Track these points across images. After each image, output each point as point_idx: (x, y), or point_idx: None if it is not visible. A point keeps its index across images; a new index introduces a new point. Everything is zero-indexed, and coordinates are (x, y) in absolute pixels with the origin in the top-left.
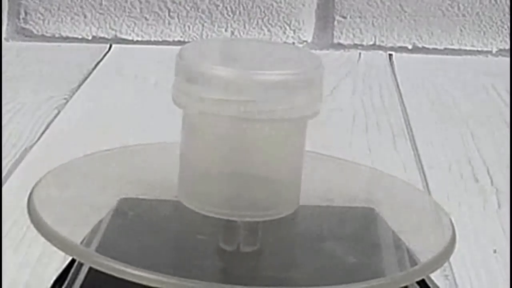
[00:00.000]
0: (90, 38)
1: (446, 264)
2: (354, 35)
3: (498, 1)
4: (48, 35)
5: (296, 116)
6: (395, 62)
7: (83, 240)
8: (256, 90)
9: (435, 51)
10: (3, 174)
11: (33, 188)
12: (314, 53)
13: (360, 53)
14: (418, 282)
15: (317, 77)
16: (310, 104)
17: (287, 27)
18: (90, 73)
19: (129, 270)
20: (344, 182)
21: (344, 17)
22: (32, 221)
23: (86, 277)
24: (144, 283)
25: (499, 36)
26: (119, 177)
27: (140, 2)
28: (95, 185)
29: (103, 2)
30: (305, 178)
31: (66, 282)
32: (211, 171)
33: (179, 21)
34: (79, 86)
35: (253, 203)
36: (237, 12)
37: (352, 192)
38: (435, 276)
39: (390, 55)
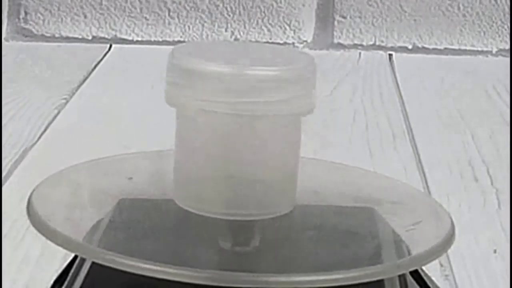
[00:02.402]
0: (90, 38)
1: (446, 264)
2: (354, 35)
3: (498, 1)
4: (48, 35)
5: (290, 112)
6: (395, 62)
7: (84, 238)
8: (249, 85)
9: (435, 51)
10: (3, 174)
11: (32, 192)
12: (307, 52)
13: (360, 53)
14: (418, 282)
15: (310, 73)
16: (303, 100)
17: (287, 27)
18: (90, 73)
19: (135, 263)
20: (342, 184)
21: (344, 17)
22: (32, 222)
23: (86, 277)
24: (150, 275)
25: (499, 36)
26: (119, 182)
27: (140, 2)
28: (94, 189)
29: (103, 2)
30: (303, 179)
31: (66, 282)
32: (205, 170)
33: (179, 21)
34: (79, 86)
35: (249, 202)
36: (237, 12)
37: (351, 193)
38: (435, 276)
39: (390, 55)
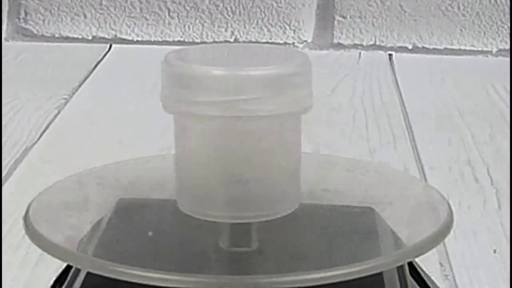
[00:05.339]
0: (90, 38)
1: (446, 264)
2: (354, 35)
3: (498, 1)
4: (48, 35)
5: (286, 111)
6: (395, 62)
7: (82, 240)
8: (245, 86)
9: (435, 51)
10: (3, 174)
11: (30, 204)
12: (306, 52)
13: (360, 53)
14: (418, 283)
15: (306, 71)
16: (300, 99)
17: (287, 27)
18: (90, 73)
19: (129, 271)
20: (343, 180)
21: (344, 17)
22: (28, 233)
23: (86, 277)
24: (145, 282)
25: (499, 36)
26: (119, 188)
27: (140, 2)
28: (93, 195)
29: (103, 2)
30: (303, 178)
31: (66, 282)
32: (207, 175)
33: (179, 21)
34: (79, 86)
35: (253, 204)
36: (237, 12)
37: (352, 190)
38: (435, 276)
39: (390, 55)
